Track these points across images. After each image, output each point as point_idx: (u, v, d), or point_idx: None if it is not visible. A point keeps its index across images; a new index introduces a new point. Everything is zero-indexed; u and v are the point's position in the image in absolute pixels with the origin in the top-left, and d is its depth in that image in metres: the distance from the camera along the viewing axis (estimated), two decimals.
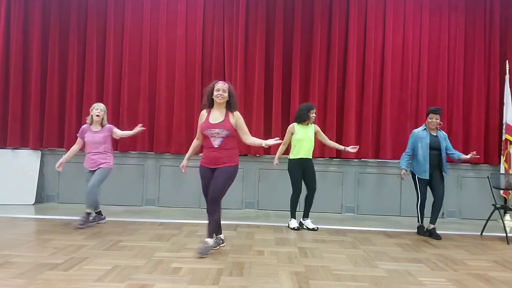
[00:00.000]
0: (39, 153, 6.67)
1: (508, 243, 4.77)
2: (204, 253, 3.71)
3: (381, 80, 6.67)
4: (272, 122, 6.58)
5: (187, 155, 4.22)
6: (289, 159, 5.22)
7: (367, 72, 6.64)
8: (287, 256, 3.83)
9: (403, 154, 5.31)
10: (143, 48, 6.69)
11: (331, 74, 6.63)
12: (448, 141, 5.22)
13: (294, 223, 5.18)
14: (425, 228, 5.13)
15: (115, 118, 6.64)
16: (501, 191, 6.21)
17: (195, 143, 4.17)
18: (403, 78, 6.68)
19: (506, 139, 6.38)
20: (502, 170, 6.34)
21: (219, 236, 4.08)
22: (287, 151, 5.34)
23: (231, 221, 5.47)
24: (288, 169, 5.22)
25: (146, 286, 2.91)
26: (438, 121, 5.08)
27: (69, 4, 6.73)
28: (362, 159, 6.63)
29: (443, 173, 5.13)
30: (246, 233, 4.81)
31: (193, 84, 6.66)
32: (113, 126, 5.16)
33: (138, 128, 5.00)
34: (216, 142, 3.83)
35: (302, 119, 5.18)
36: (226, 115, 3.86)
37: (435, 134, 5.13)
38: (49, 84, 6.68)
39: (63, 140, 6.66)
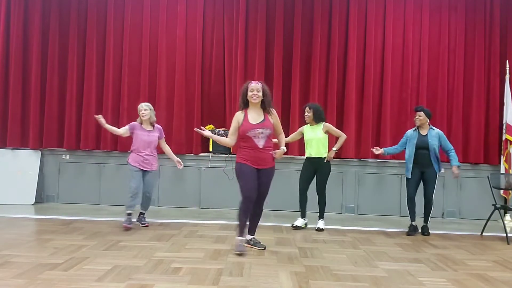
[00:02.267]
0: (39, 153, 6.68)
1: (508, 243, 4.77)
2: (242, 250, 3.85)
3: (381, 80, 6.67)
4: None
5: (217, 137, 4.09)
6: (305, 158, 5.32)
7: (367, 72, 6.64)
8: (287, 256, 3.83)
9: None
10: (143, 48, 6.69)
11: (331, 74, 6.63)
12: (445, 139, 5.19)
13: (298, 222, 5.20)
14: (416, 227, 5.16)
15: (115, 118, 6.64)
16: (501, 191, 6.21)
17: (227, 141, 4.01)
18: (403, 78, 6.68)
19: (506, 139, 6.38)
20: (502, 170, 6.34)
21: (253, 236, 4.14)
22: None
23: (231, 221, 5.46)
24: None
25: (146, 286, 2.91)
26: (421, 118, 5.11)
27: (69, 4, 6.73)
28: (362, 159, 6.63)
29: (436, 171, 5.11)
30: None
31: (193, 84, 6.66)
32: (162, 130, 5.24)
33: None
34: (261, 143, 3.86)
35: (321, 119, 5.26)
36: (265, 115, 3.91)
37: (424, 134, 5.15)
38: (49, 84, 6.68)
39: (63, 140, 6.66)
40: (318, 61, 6.63)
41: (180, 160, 5.16)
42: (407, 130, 6.52)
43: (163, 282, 3.00)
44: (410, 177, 5.19)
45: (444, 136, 5.22)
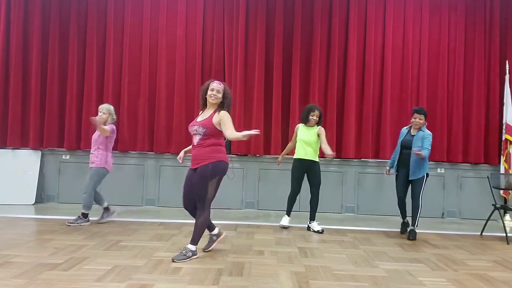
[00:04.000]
0: (39, 153, 6.67)
1: (508, 243, 4.77)
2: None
3: (381, 80, 6.67)
4: (272, 122, 6.58)
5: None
6: (295, 159, 5.22)
7: (367, 72, 6.64)
8: (287, 256, 3.84)
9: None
10: (143, 48, 6.69)
11: (331, 74, 6.63)
12: (426, 140, 4.85)
13: (283, 221, 5.24)
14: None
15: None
16: (501, 191, 6.21)
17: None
18: (403, 78, 6.68)
19: (506, 139, 6.38)
20: (502, 170, 6.34)
21: (212, 232, 3.99)
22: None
23: (231, 221, 5.47)
24: (292, 168, 5.26)
25: (146, 286, 2.91)
26: (422, 121, 4.91)
27: (69, 4, 6.73)
28: (362, 159, 6.63)
29: (420, 172, 4.91)
30: (246, 233, 4.81)
31: (193, 84, 6.66)
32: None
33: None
34: (195, 140, 3.75)
35: (303, 121, 5.20)
36: (212, 114, 3.72)
37: (413, 134, 4.98)
38: (49, 84, 6.67)
39: (63, 140, 6.66)
40: (318, 61, 6.63)
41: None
42: None
43: (163, 282, 3.00)
44: (396, 172, 5.11)
45: (429, 137, 4.88)
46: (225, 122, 3.65)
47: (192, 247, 3.68)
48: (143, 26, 6.71)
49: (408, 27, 6.71)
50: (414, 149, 4.76)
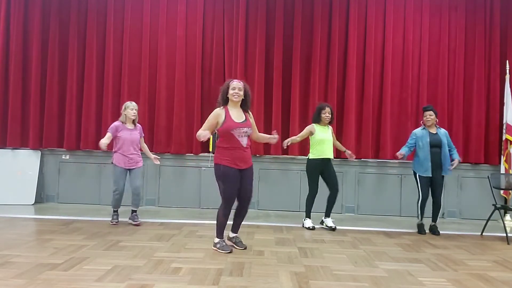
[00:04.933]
0: (39, 153, 6.67)
1: (508, 243, 4.77)
2: (228, 249, 3.90)
3: (381, 80, 6.67)
4: (272, 122, 6.58)
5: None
6: (309, 159, 5.21)
7: (367, 72, 6.64)
8: (287, 256, 3.83)
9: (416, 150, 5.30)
10: (143, 48, 6.69)
11: (331, 74, 6.63)
12: (449, 138, 5.26)
13: (309, 223, 5.20)
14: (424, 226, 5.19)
15: (115, 118, 6.61)
16: (501, 191, 6.21)
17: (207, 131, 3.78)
18: (403, 78, 6.68)
19: (506, 139, 6.37)
20: (502, 170, 6.34)
21: (236, 235, 4.17)
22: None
23: (231, 221, 5.46)
24: (306, 169, 5.25)
25: (146, 286, 2.91)
26: (433, 117, 5.14)
27: (69, 4, 6.73)
28: (362, 159, 6.63)
29: (443, 174, 5.15)
30: (246, 233, 4.80)
31: (193, 84, 6.66)
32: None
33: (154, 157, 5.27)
34: (244, 141, 3.84)
35: (315, 120, 5.23)
36: (245, 114, 3.90)
37: (434, 132, 5.17)
38: (49, 84, 6.68)
39: (63, 140, 6.66)
40: (318, 61, 6.63)
41: (157, 157, 5.34)
42: (407, 130, 6.55)
43: (163, 282, 3.00)
44: (430, 175, 5.10)
45: (449, 137, 5.30)
46: (254, 123, 4.02)
47: (216, 240, 3.98)
48: (143, 26, 6.71)
49: (408, 27, 6.70)
50: (450, 168, 5.11)
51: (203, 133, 3.69)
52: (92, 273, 3.14)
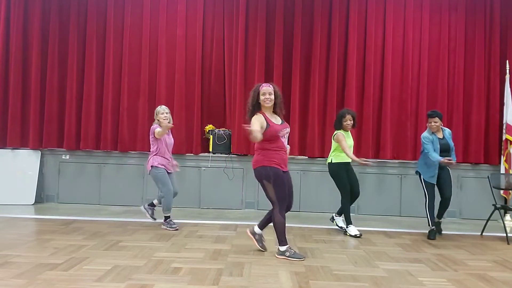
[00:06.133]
0: (39, 153, 6.67)
1: (508, 243, 4.77)
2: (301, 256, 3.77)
3: (381, 80, 6.67)
4: None
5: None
6: (334, 163, 4.99)
7: (367, 72, 6.64)
8: None
9: (427, 153, 4.92)
10: (143, 48, 6.69)
11: (331, 74, 6.63)
12: (451, 140, 5.12)
13: (354, 230, 4.87)
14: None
15: (115, 118, 6.65)
16: (501, 191, 6.20)
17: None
18: (403, 78, 6.67)
19: (506, 139, 6.37)
20: (502, 170, 6.33)
21: (262, 233, 4.06)
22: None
23: (231, 221, 5.47)
24: (334, 174, 5.03)
25: (146, 286, 2.91)
26: (438, 124, 4.92)
27: (69, 4, 6.72)
28: (362, 159, 6.60)
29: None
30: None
31: (193, 84, 6.66)
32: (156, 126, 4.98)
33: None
34: (285, 143, 3.87)
35: (337, 128, 5.04)
36: (280, 117, 3.88)
37: (441, 136, 5.01)
38: (49, 84, 6.67)
39: (63, 140, 6.66)
40: (318, 61, 6.63)
41: (177, 163, 5.18)
42: (407, 130, 6.56)
43: (163, 282, 3.00)
44: (435, 183, 4.99)
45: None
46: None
47: (282, 248, 3.79)
48: (143, 26, 6.71)
49: (408, 27, 6.70)
50: (446, 161, 4.77)
51: (259, 135, 3.54)
52: (92, 273, 3.14)
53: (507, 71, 6.51)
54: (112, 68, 6.67)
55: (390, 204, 6.55)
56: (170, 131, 5.10)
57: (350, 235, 4.85)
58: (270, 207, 3.67)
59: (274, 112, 3.85)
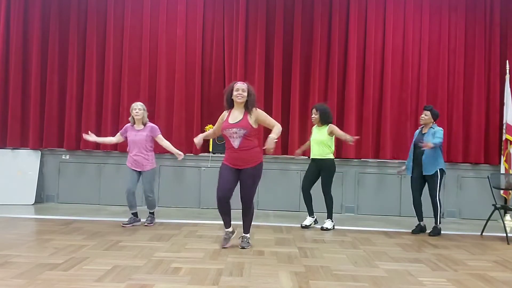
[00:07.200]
0: (39, 153, 6.67)
1: (508, 243, 4.77)
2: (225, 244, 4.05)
3: (381, 80, 6.67)
4: None
5: (201, 135, 4.30)
6: (332, 159, 5.19)
7: (367, 72, 6.64)
8: (287, 256, 3.83)
9: None
10: (143, 48, 6.69)
11: (331, 74, 6.63)
12: (437, 133, 4.97)
13: (306, 221, 5.27)
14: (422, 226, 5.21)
15: (115, 118, 6.64)
16: (501, 191, 6.21)
17: (210, 132, 4.42)
18: (403, 78, 6.67)
19: (506, 139, 6.37)
20: (502, 170, 6.33)
21: (244, 235, 4.16)
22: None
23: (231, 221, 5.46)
24: (331, 170, 5.18)
25: (146, 286, 2.91)
26: (427, 117, 5.09)
27: (69, 4, 6.73)
28: (362, 159, 6.63)
29: (433, 170, 5.02)
30: None
31: (193, 84, 6.66)
32: (157, 128, 5.13)
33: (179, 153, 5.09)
34: (235, 143, 3.88)
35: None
36: (245, 115, 3.91)
37: (424, 132, 5.16)
38: (49, 84, 6.68)
39: (63, 140, 6.66)
40: (318, 61, 6.63)
41: (180, 152, 5.13)
42: (407, 130, 6.57)
43: (163, 282, 3.00)
44: (410, 175, 5.25)
45: (440, 131, 5.00)
46: (264, 119, 3.97)
47: (248, 235, 4.14)
48: (143, 26, 6.71)
49: (408, 27, 6.70)
50: (420, 144, 4.90)
51: (196, 139, 4.20)
52: (92, 273, 3.13)
53: (507, 71, 6.51)
54: (112, 68, 6.67)
55: (390, 204, 6.56)
56: (145, 128, 5.03)
57: (327, 228, 5.13)
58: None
59: (247, 110, 3.93)
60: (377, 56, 6.68)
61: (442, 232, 5.14)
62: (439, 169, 5.04)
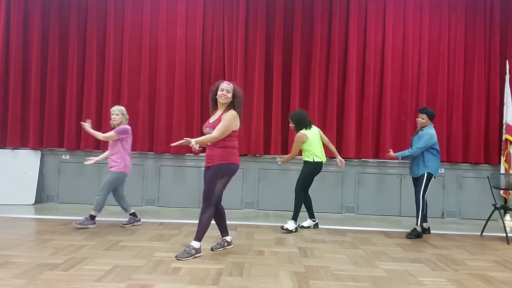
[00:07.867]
0: (39, 153, 6.67)
1: (508, 243, 4.77)
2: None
3: (381, 80, 6.67)
4: (272, 122, 6.58)
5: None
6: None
7: (367, 72, 6.64)
8: (287, 256, 3.83)
9: None
10: (143, 48, 6.69)
11: (331, 74, 6.63)
12: (424, 139, 4.87)
13: (304, 222, 5.31)
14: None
15: None
16: (501, 191, 6.21)
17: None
18: (403, 78, 6.67)
19: (506, 139, 6.37)
20: (502, 170, 6.33)
21: (225, 238, 4.07)
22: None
23: (231, 221, 5.45)
24: (312, 172, 5.18)
25: (146, 286, 2.91)
26: (424, 120, 4.99)
27: (69, 4, 6.72)
28: (362, 159, 6.63)
29: (419, 171, 4.98)
30: (246, 233, 4.81)
31: (193, 84, 6.66)
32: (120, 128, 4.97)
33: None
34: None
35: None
36: (221, 115, 3.77)
37: (417, 134, 5.14)
38: (49, 84, 6.67)
39: (63, 140, 6.66)
40: (318, 61, 6.63)
41: (91, 159, 5.20)
42: (407, 130, 6.58)
43: (163, 282, 3.00)
44: (410, 175, 5.23)
45: (425, 137, 4.87)
46: (223, 120, 3.71)
47: (196, 244, 3.71)
48: (143, 26, 6.70)
49: (408, 27, 6.70)
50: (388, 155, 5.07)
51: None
52: (92, 273, 3.14)
53: (507, 71, 6.51)
54: (112, 68, 6.67)
55: (390, 204, 6.56)
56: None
57: (288, 229, 4.96)
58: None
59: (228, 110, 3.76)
60: (377, 56, 6.68)
61: (442, 232, 5.14)
62: (427, 173, 4.90)
